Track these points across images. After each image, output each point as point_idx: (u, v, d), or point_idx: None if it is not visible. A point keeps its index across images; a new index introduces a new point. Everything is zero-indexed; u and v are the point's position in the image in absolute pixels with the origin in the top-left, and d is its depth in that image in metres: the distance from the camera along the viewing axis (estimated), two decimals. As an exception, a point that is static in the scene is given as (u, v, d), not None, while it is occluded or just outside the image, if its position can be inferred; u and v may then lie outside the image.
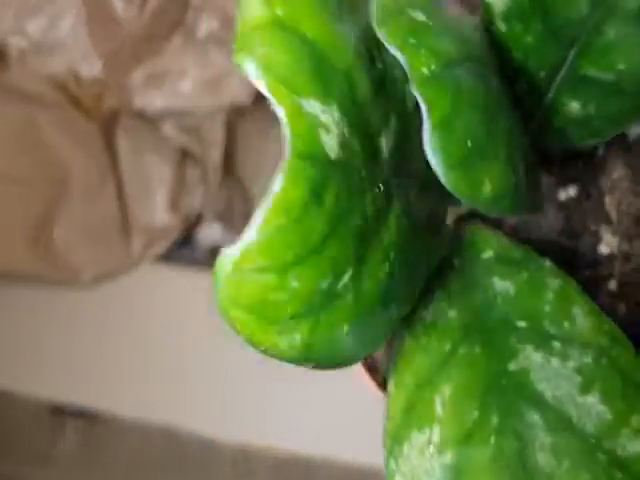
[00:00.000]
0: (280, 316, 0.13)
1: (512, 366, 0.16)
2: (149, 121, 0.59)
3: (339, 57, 0.13)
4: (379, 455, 0.51)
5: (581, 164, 0.22)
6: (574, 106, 0.18)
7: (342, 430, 0.52)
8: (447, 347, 0.17)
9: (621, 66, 0.16)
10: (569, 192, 0.22)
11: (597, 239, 0.22)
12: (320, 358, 0.14)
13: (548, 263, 0.18)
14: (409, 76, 0.13)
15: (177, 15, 0.56)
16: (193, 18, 0.57)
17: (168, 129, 0.59)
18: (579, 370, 0.16)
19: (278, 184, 0.13)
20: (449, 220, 0.20)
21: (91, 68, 0.55)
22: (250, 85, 0.51)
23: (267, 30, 0.13)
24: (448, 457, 0.15)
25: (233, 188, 0.62)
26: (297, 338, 0.14)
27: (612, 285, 0.22)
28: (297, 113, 0.13)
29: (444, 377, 0.16)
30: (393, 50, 0.13)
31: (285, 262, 0.13)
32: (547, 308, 0.17)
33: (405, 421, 0.16)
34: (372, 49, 0.14)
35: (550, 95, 0.18)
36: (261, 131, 0.65)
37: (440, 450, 0.15)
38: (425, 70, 0.13)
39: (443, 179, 0.13)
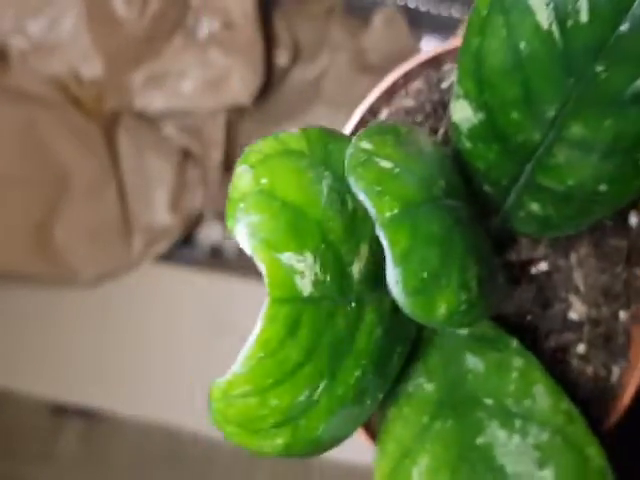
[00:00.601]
0: (263, 427, 0.16)
1: (479, 440, 0.18)
2: (150, 121, 0.58)
3: (312, 210, 0.16)
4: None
5: (549, 242, 0.24)
6: (534, 207, 0.20)
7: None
8: (425, 420, 0.19)
9: (570, 182, 0.19)
10: (540, 267, 0.24)
11: (567, 306, 0.24)
12: (300, 453, 0.17)
13: (515, 343, 0.20)
14: (374, 219, 0.15)
15: (177, 17, 0.56)
16: (193, 20, 0.56)
17: (169, 129, 0.58)
18: (537, 447, 0.18)
19: (259, 326, 0.15)
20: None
21: (92, 69, 0.55)
22: (250, 86, 0.51)
23: (253, 198, 0.15)
24: None
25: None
26: (279, 442, 0.16)
27: (581, 348, 0.24)
28: (275, 267, 0.15)
29: (421, 449, 0.18)
30: (361, 195, 0.15)
31: (264, 386, 0.15)
32: (511, 387, 0.19)
33: None
34: (344, 192, 0.16)
35: (512, 196, 0.20)
36: (261, 131, 0.65)
37: None
38: (388, 214, 0.15)
39: (402, 305, 0.15)
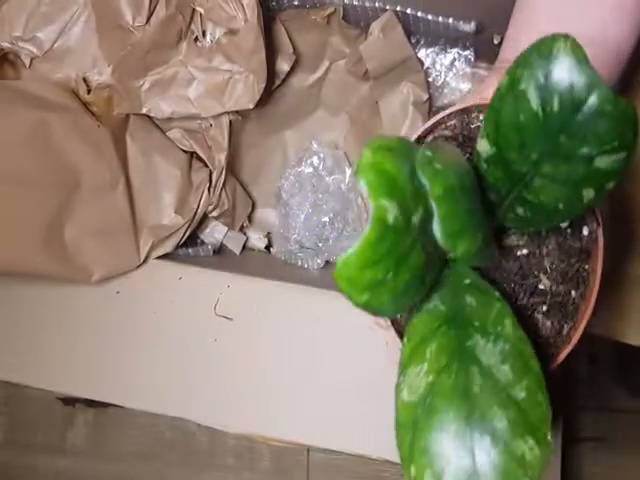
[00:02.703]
0: (359, 287, 0.25)
1: (468, 343, 0.27)
2: (157, 125, 0.59)
3: (400, 179, 0.25)
4: (373, 445, 0.51)
5: (529, 237, 0.35)
6: (520, 210, 0.31)
7: (340, 422, 0.52)
8: (436, 324, 0.28)
9: (542, 198, 0.29)
10: (523, 251, 0.35)
11: (538, 281, 0.34)
12: (375, 310, 0.26)
13: (497, 294, 0.29)
14: (429, 195, 0.25)
15: (184, 24, 0.56)
16: (199, 27, 0.57)
17: (175, 133, 0.59)
18: (501, 352, 0.27)
19: (366, 229, 0.24)
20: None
21: (101, 75, 0.55)
22: (253, 91, 0.51)
23: (369, 169, 0.24)
24: (430, 379, 0.26)
25: (236, 189, 0.62)
26: (364, 297, 0.25)
27: (544, 308, 0.34)
28: (378, 204, 0.24)
29: (432, 340, 0.28)
30: (424, 182, 0.25)
31: (363, 265, 0.24)
32: (491, 317, 0.28)
33: (410, 358, 0.28)
34: (414, 176, 0.26)
35: (507, 203, 0.31)
36: (263, 135, 0.66)
37: (426, 375, 0.27)
38: (437, 193, 0.25)
39: (441, 244, 0.26)
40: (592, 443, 0.72)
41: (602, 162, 0.26)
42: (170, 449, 0.73)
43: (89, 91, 0.56)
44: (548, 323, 0.34)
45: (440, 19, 0.58)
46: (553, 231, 0.34)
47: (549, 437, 0.24)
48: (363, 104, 0.64)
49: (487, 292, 0.30)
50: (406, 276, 0.26)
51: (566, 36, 0.25)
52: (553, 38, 0.25)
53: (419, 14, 0.59)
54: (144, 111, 0.57)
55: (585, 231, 0.34)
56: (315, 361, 0.53)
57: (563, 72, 0.25)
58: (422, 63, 0.64)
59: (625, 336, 0.52)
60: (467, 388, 0.25)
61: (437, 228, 0.26)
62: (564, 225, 0.34)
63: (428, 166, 0.25)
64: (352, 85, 0.64)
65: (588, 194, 0.27)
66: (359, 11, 0.61)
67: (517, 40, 0.42)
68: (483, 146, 0.29)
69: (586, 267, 0.34)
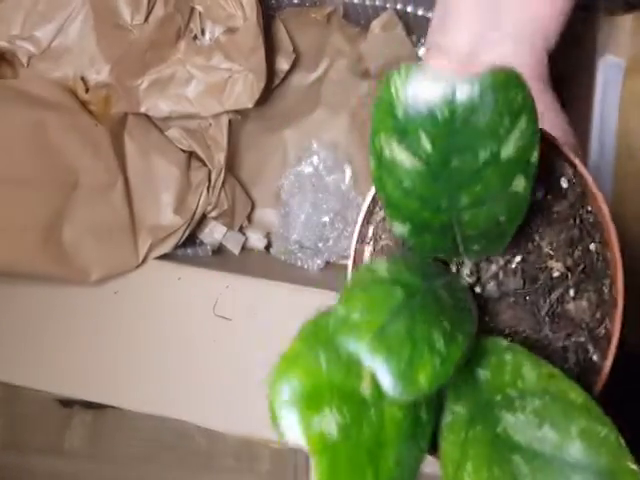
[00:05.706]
0: None
1: (498, 429, 0.23)
2: (156, 124, 0.59)
3: (321, 381, 0.21)
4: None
5: (512, 244, 0.30)
6: (475, 247, 0.27)
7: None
8: (462, 435, 0.24)
9: (482, 225, 0.25)
10: (516, 260, 0.30)
11: (549, 271, 0.29)
12: None
13: (504, 343, 0.25)
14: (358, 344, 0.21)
15: (182, 23, 0.56)
16: (198, 26, 0.57)
17: (174, 132, 0.59)
18: (534, 413, 0.22)
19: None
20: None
21: (99, 73, 0.55)
22: (252, 90, 0.51)
23: (283, 404, 0.21)
24: None
25: (235, 189, 0.62)
26: None
27: (571, 292, 0.29)
28: (309, 428, 0.20)
29: (465, 458, 0.23)
30: (352, 348, 0.20)
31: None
32: (507, 377, 0.24)
33: None
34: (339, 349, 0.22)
35: (460, 246, 0.27)
36: (263, 134, 0.66)
37: None
38: (365, 340, 0.20)
39: (390, 393, 0.20)
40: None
41: (508, 148, 0.22)
42: (169, 451, 0.73)
43: (87, 90, 0.56)
44: (584, 303, 0.29)
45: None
46: (532, 212, 0.29)
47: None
48: (363, 103, 0.64)
49: (494, 348, 0.25)
50: (390, 461, 0.21)
51: (399, 70, 0.22)
52: (387, 82, 0.22)
53: (419, 12, 0.59)
54: (142, 110, 0.57)
55: (564, 183, 0.30)
56: (315, 362, 0.53)
57: (415, 96, 0.22)
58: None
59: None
60: None
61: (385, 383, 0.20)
62: (539, 196, 0.30)
63: (346, 327, 0.20)
64: (352, 84, 0.64)
65: (519, 184, 0.24)
66: (359, 9, 0.61)
67: (443, 19, 0.40)
68: (397, 229, 0.26)
69: (590, 218, 0.29)
